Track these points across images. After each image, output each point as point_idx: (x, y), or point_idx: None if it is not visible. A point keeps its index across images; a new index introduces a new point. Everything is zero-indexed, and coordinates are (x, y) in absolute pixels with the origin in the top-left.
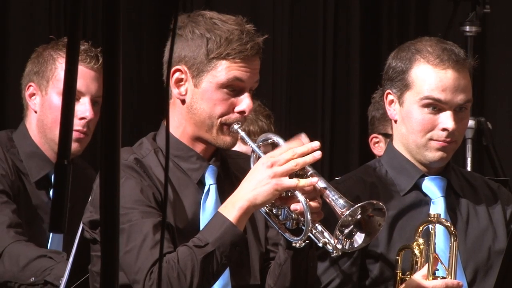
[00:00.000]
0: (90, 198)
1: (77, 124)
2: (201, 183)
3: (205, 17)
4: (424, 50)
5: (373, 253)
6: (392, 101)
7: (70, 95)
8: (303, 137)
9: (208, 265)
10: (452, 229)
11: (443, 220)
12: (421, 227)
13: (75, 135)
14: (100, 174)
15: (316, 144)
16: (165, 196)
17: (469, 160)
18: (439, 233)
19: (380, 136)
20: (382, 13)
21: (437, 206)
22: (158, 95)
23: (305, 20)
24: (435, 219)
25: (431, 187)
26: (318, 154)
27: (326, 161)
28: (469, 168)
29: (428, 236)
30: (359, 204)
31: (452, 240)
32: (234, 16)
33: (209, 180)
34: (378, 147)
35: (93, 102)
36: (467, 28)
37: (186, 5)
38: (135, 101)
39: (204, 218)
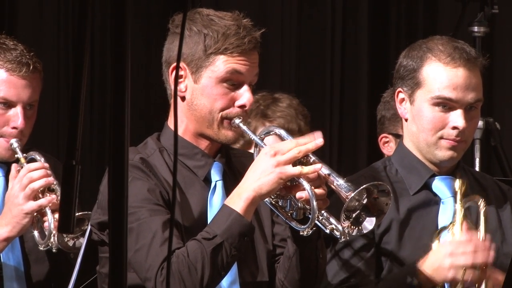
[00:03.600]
0: (97, 200)
1: (9, 134)
2: (207, 180)
3: (201, 14)
4: (436, 48)
5: (384, 251)
6: (403, 100)
7: (77, 97)
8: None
9: (218, 256)
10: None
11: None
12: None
13: (6, 143)
14: (108, 175)
15: (319, 133)
16: (173, 193)
17: (477, 160)
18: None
19: (390, 136)
20: (390, 13)
21: (447, 206)
22: (165, 95)
23: (313, 19)
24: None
25: (441, 187)
26: (320, 141)
27: (334, 160)
28: (477, 169)
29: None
30: (363, 186)
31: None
32: (230, 12)
33: (215, 177)
34: (388, 147)
35: (26, 108)
36: (475, 29)
37: (195, 5)
38: (143, 101)
39: (212, 214)
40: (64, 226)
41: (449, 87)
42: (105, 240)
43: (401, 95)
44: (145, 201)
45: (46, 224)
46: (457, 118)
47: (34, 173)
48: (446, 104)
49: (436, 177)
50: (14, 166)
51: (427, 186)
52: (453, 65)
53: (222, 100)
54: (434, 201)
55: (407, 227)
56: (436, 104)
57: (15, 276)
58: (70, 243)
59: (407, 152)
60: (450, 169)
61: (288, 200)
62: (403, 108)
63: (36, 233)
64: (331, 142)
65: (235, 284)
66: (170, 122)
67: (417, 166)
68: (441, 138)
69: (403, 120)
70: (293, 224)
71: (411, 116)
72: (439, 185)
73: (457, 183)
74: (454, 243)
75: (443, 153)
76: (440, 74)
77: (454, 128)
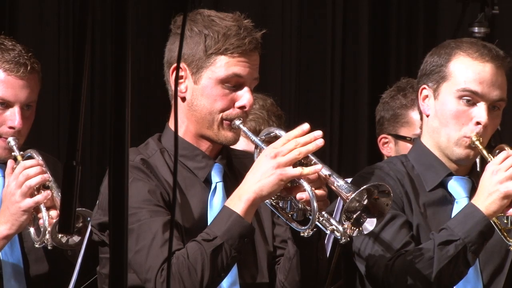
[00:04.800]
0: (98, 201)
1: (6, 133)
2: (208, 181)
3: (203, 15)
4: (465, 45)
5: None
6: (426, 97)
7: (77, 97)
8: (305, 125)
9: (217, 258)
10: None
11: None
12: None
13: (3, 142)
14: (109, 175)
15: (319, 133)
16: (174, 194)
17: (477, 161)
18: None
19: (389, 137)
20: (390, 13)
21: (461, 206)
22: (165, 96)
23: (314, 19)
24: None
25: (456, 187)
26: (320, 142)
27: (334, 161)
28: (478, 170)
29: None
30: (364, 187)
31: None
32: (231, 13)
33: (216, 178)
34: (387, 147)
35: (24, 108)
36: (476, 29)
37: (195, 6)
38: (143, 101)
39: (212, 216)
40: (64, 227)
41: (476, 80)
42: (106, 241)
43: (425, 92)
44: (146, 202)
45: (41, 221)
46: (480, 113)
47: (30, 170)
48: (470, 98)
49: (453, 177)
50: (10, 162)
51: (443, 185)
52: (481, 60)
53: (222, 101)
54: (449, 200)
55: (420, 225)
56: (461, 97)
57: (15, 275)
58: (63, 240)
59: (425, 150)
60: (466, 170)
61: (289, 201)
62: (426, 105)
63: (32, 230)
64: (331, 142)
65: (235, 286)
66: (171, 123)
67: (434, 164)
68: (464, 136)
69: (424, 117)
70: (294, 225)
71: (433, 112)
72: (454, 185)
73: (474, 137)
74: (493, 164)
75: (461, 150)
76: (467, 68)
77: (477, 123)
